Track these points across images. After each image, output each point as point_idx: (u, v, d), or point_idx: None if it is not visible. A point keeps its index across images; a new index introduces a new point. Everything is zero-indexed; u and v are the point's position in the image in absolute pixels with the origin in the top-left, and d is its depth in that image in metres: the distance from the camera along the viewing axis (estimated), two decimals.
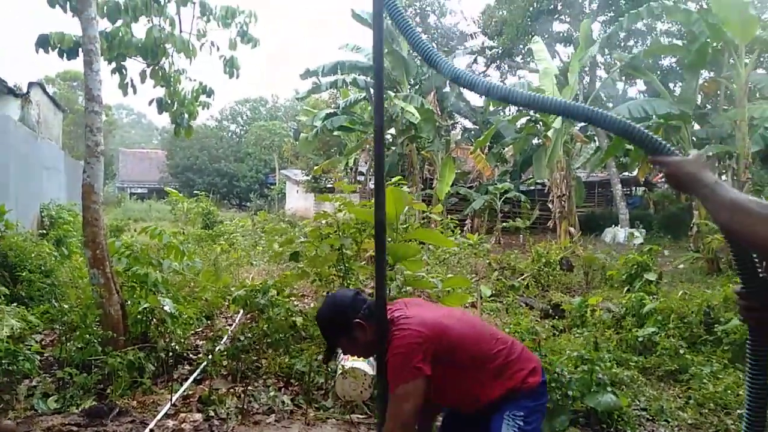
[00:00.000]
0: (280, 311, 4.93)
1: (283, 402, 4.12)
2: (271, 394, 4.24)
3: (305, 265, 5.64)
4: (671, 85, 20.07)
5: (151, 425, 3.59)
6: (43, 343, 4.81)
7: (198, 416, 3.83)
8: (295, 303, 5.71)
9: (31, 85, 12.86)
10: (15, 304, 4.81)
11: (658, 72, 19.50)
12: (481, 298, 7.30)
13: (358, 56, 19.77)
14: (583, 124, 19.07)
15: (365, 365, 4.10)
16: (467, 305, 7.33)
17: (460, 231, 14.86)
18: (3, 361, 3.84)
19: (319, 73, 18.91)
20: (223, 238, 11.36)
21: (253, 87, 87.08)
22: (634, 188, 26.95)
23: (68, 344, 4.40)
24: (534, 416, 2.16)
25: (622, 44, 21.57)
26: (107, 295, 4.57)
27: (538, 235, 17.25)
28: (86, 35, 4.82)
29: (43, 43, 5.88)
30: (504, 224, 16.28)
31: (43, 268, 6.42)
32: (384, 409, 2.12)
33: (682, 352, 4.84)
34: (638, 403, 4.23)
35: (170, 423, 3.72)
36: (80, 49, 5.72)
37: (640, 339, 5.20)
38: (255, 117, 42.89)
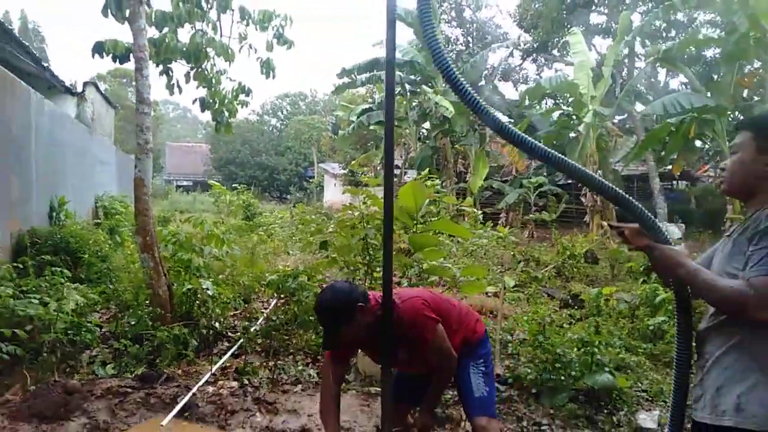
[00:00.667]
0: (309, 295, 5.37)
1: (310, 375, 4.58)
2: (299, 368, 4.71)
3: (333, 252, 6.07)
4: (716, 77, 19.61)
5: (194, 390, 4.09)
6: (100, 319, 5.40)
7: (234, 384, 4.33)
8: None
9: (86, 84, 13.76)
10: (76, 284, 5.40)
11: (703, 64, 19.05)
12: (505, 288, 7.58)
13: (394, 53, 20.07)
14: (619, 117, 18.89)
15: None
16: (490, 294, 7.66)
17: (492, 224, 15.06)
18: (68, 332, 4.43)
19: (354, 71, 19.33)
20: (261, 229, 11.95)
21: (292, 83, 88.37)
22: (676, 183, 26.36)
23: (123, 320, 4.97)
24: (488, 360, 2.73)
25: (663, 35, 21.14)
26: (156, 278, 5.12)
27: (572, 228, 17.24)
28: (137, 44, 5.36)
29: (99, 49, 6.48)
30: (530, 217, 16.35)
31: (99, 253, 7.10)
32: (388, 386, 2.45)
33: None
34: (640, 385, 4.48)
35: (210, 389, 4.23)
36: (131, 55, 6.33)
37: (650, 327, 5.42)
38: (294, 111, 43.81)
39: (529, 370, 4.32)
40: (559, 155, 1.92)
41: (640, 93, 19.55)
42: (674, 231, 17.86)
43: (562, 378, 4.10)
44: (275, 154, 39.30)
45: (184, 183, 40.62)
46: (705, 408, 1.70)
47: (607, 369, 4.05)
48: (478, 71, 21.39)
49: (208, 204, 23.30)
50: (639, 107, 19.05)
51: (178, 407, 3.84)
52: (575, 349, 4.27)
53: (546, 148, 1.95)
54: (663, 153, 15.15)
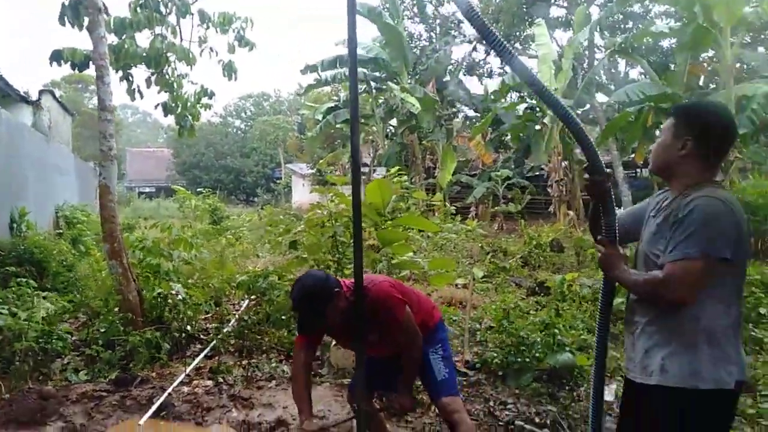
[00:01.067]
0: (280, 294, 5.46)
1: (283, 371, 4.67)
2: (273, 365, 4.80)
3: (303, 252, 6.17)
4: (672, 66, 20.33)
5: (169, 390, 4.14)
6: (70, 327, 5.37)
7: (209, 383, 4.39)
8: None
9: (41, 92, 13.44)
10: (45, 293, 5.36)
11: (660, 54, 19.70)
12: (474, 279, 7.79)
13: (357, 50, 20.18)
14: (582, 108, 19.40)
15: None
16: (459, 286, 7.86)
17: (462, 218, 15.33)
18: (40, 341, 4.42)
19: (318, 68, 19.35)
20: (230, 233, 11.92)
21: (255, 83, 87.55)
22: (639, 171, 27.23)
23: (94, 326, 4.97)
24: (445, 344, 2.88)
25: (622, 27, 21.75)
26: (125, 283, 5.13)
27: (540, 219, 17.66)
28: (97, 52, 5.35)
29: (57, 57, 6.42)
30: (496, 209, 16.71)
31: (64, 263, 7.03)
32: (361, 372, 2.57)
33: None
34: None
35: (185, 389, 4.28)
36: (90, 63, 6.29)
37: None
38: (259, 112, 43.41)
39: (495, 354, 4.51)
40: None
41: (602, 84, 20.11)
42: None
43: (527, 359, 4.29)
44: (240, 156, 38.91)
45: (147, 189, 39.82)
46: (636, 369, 1.92)
47: (567, 349, 4.26)
48: (443, 66, 21.66)
49: (172, 210, 22.96)
50: (601, 98, 19.64)
51: (154, 407, 3.88)
52: (538, 332, 4.48)
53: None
54: (624, 142, 15.69)
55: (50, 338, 4.58)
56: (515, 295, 6.89)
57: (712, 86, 15.32)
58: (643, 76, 21.71)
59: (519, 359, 4.33)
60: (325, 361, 4.82)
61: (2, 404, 3.88)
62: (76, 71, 6.67)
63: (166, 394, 4.09)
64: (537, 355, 4.32)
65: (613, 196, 2.10)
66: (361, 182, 2.68)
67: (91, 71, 6.25)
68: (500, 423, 3.70)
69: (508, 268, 8.56)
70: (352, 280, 2.69)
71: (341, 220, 6.07)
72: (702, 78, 13.77)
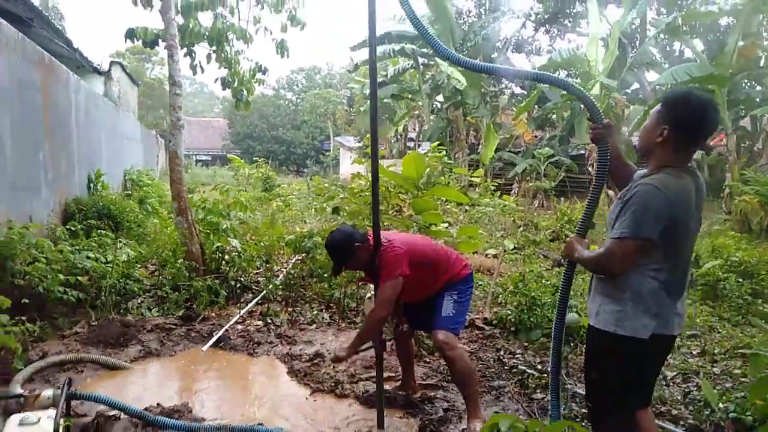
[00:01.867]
0: (323, 252, 6.12)
1: (323, 317, 5.37)
2: (314, 312, 5.49)
3: (345, 217, 6.81)
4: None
5: (227, 327, 4.90)
6: (145, 273, 6.24)
7: (259, 323, 5.14)
8: None
9: (112, 63, 14.53)
10: (125, 242, 6.23)
11: (717, 33, 19.08)
12: (504, 250, 8.26)
13: (404, 26, 20.45)
14: (628, 89, 19.09)
15: None
16: (489, 255, 8.36)
17: (501, 194, 15.62)
18: (119, 281, 5.26)
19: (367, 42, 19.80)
20: (279, 200, 12.74)
21: (307, 58, 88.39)
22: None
23: (163, 273, 5.79)
24: (465, 295, 3.35)
25: (678, 3, 21.05)
26: (190, 237, 5.92)
27: (580, 197, 17.70)
28: (168, 32, 6.05)
29: (131, 35, 7.20)
30: (531, 185, 16.87)
31: (135, 220, 7.94)
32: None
33: None
34: None
35: (239, 327, 5.04)
36: (160, 41, 7.04)
37: None
38: (310, 85, 44.21)
39: (509, 312, 5.04)
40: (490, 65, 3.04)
41: (655, 62, 19.69)
42: None
43: (537, 318, 4.81)
44: (291, 128, 39.94)
45: (203, 157, 41.44)
46: (590, 315, 2.40)
47: (575, 309, 4.73)
48: (491, 42, 21.64)
49: (227, 177, 24.13)
50: (654, 76, 19.25)
51: (214, 339, 4.65)
52: (550, 294, 4.97)
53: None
54: None
55: (128, 280, 5.42)
56: (540, 265, 7.33)
57: (761, 68, 14.92)
58: (703, 54, 21.08)
59: (531, 317, 4.86)
60: (360, 311, 5.48)
61: (93, 329, 4.73)
62: (148, 48, 7.41)
63: (224, 329, 4.86)
64: (547, 314, 4.82)
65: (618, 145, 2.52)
66: (378, 153, 3.25)
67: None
68: (506, 367, 4.25)
69: (538, 241, 8.96)
70: (384, 234, 3.27)
71: (380, 189, 6.66)
72: (754, 59, 13.40)
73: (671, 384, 3.93)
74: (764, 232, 10.31)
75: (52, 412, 2.70)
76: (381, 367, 3.25)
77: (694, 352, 4.55)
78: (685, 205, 2.16)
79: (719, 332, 5.00)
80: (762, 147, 13.20)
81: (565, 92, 2.74)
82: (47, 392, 2.98)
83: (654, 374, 2.46)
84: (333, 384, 3.87)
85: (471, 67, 2.74)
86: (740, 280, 5.78)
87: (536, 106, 19.73)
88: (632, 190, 2.18)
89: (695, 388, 3.78)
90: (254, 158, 21.27)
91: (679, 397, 3.65)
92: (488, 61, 21.36)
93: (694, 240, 2.31)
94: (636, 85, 20.14)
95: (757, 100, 15.10)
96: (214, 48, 7.53)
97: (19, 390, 3.31)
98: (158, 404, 3.41)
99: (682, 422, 3.29)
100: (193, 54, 7.76)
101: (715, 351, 4.50)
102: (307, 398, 3.75)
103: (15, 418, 2.65)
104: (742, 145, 19.83)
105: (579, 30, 21.37)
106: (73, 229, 6.48)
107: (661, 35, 15.95)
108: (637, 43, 20.45)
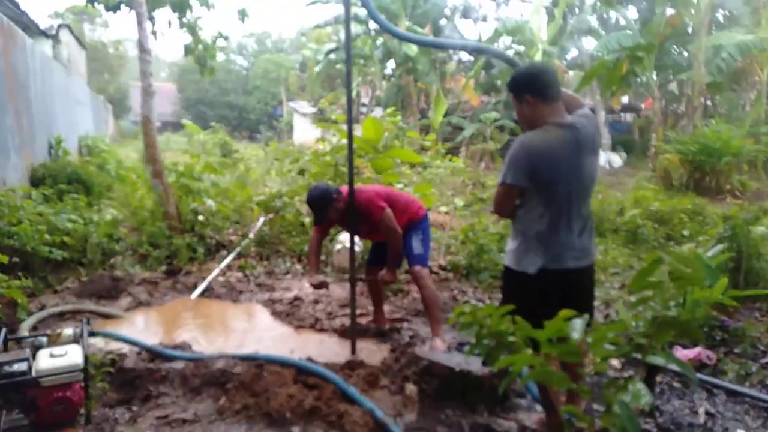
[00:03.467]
0: (292, 210, 6.64)
1: (296, 268, 5.92)
2: (288, 264, 6.04)
3: (309, 178, 7.31)
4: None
5: (210, 278, 5.39)
6: (126, 232, 6.58)
7: (239, 274, 5.65)
8: (302, 211, 7.43)
9: (60, 26, 14.14)
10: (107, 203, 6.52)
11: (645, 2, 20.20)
12: (455, 207, 8.98)
13: None
14: (568, 57, 20.01)
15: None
16: (441, 212, 9.06)
17: (450, 157, 16.38)
18: (104, 240, 5.63)
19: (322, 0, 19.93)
20: (241, 164, 13.01)
21: (257, 22, 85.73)
22: (623, 115, 28.04)
23: (143, 232, 6.17)
24: (426, 233, 4.01)
25: None
26: (166, 198, 6.29)
27: None
28: (136, 0, 6.25)
29: None
30: (476, 147, 17.73)
31: (104, 184, 8.16)
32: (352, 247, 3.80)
33: None
34: None
35: (221, 278, 5.53)
36: (122, 6, 7.21)
37: None
38: (261, 50, 43.37)
39: (461, 259, 5.74)
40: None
41: (593, 30, 20.66)
42: (616, 159, 19.61)
43: (485, 262, 5.53)
44: (243, 94, 39.32)
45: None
46: None
47: None
48: (440, 9, 22.04)
49: (181, 143, 23.85)
50: (593, 43, 20.28)
51: (200, 288, 5.15)
52: (496, 242, 5.69)
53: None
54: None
55: (111, 239, 5.79)
56: (488, 219, 8.08)
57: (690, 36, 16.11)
58: (634, 22, 22.28)
59: (479, 262, 5.57)
60: (329, 263, 6.06)
61: (84, 284, 5.13)
62: (109, 12, 7.50)
63: (207, 280, 5.34)
64: (494, 258, 5.54)
65: None
66: (352, 118, 3.80)
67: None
68: (459, 303, 4.96)
69: (484, 199, 9.73)
70: (356, 186, 3.87)
71: (341, 152, 7.18)
72: (676, 28, 14.45)
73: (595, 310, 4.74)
74: (684, 186, 11.47)
75: (74, 346, 3.16)
76: (354, 301, 3.86)
77: (616, 286, 5.39)
78: (549, 155, 2.40)
79: (637, 269, 5.87)
80: (684, 109, 14.37)
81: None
82: (68, 330, 3.41)
83: (556, 305, 2.99)
84: (313, 321, 4.47)
85: (407, 39, 3.26)
86: (656, 226, 6.69)
87: (483, 72, 20.40)
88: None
89: (615, 313, 4.59)
90: (208, 124, 21.10)
91: (601, 320, 4.45)
92: (437, 26, 21.83)
93: (576, 186, 2.47)
94: (576, 52, 21.17)
95: (684, 65, 16.29)
96: (177, 14, 7.72)
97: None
98: (160, 342, 3.91)
99: None
100: (153, 20, 7.91)
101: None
102: (291, 334, 4.33)
103: (44, 352, 3.08)
104: (670, 108, 21.28)
105: None
106: (46, 193, 6.70)
107: (594, 6, 16.83)
108: (577, 11, 21.38)
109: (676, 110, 18.02)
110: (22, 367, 2.71)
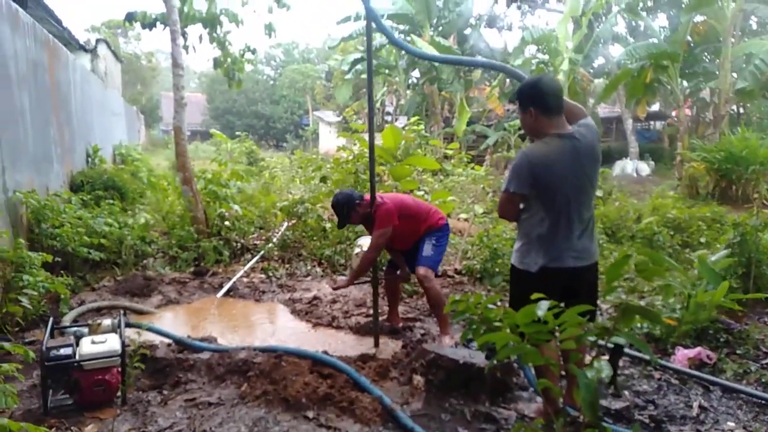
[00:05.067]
0: (313, 216, 6.93)
1: (316, 271, 6.19)
2: (308, 267, 6.31)
3: (331, 186, 7.60)
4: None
5: (234, 279, 5.69)
6: (157, 235, 6.96)
7: (262, 275, 5.95)
8: (323, 217, 7.71)
9: (98, 41, 14.86)
10: (141, 208, 6.92)
11: (674, 10, 20.07)
12: (474, 214, 9.15)
13: (384, 3, 20.94)
14: (594, 64, 19.97)
15: None
16: (461, 219, 9.24)
17: (473, 164, 16.53)
18: (137, 242, 5.99)
19: (352, 18, 20.37)
20: (267, 171, 13.42)
21: (285, 32, 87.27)
22: (653, 123, 27.75)
23: (172, 236, 6.52)
24: (441, 240, 4.18)
25: None
26: (195, 203, 6.64)
27: None
28: (171, 18, 6.66)
29: (130, 18, 7.79)
30: (499, 155, 17.81)
31: (137, 191, 8.60)
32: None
33: (601, 243, 6.64)
34: None
35: (245, 280, 5.84)
36: (158, 23, 7.64)
37: None
38: (288, 60, 44.24)
39: (476, 263, 5.93)
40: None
41: (620, 37, 20.62)
42: (643, 167, 19.46)
43: (498, 267, 5.71)
44: (270, 103, 40.12)
45: None
46: None
47: None
48: (464, 19, 22.27)
49: (209, 152, 24.54)
50: (620, 51, 20.26)
51: (225, 288, 5.45)
52: (509, 247, 5.86)
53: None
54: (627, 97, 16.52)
55: (143, 242, 6.16)
56: (505, 226, 8.24)
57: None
58: (661, 30, 22.13)
59: (493, 266, 5.75)
60: (348, 266, 6.31)
61: (119, 282, 5.49)
62: (145, 30, 7.99)
63: (232, 281, 5.65)
64: (507, 263, 5.71)
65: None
66: (375, 127, 4.05)
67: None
68: None
69: None
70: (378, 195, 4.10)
71: (362, 160, 7.45)
72: (702, 36, 14.37)
73: (604, 314, 4.87)
74: (709, 195, 11.40)
75: (112, 335, 3.46)
76: (377, 300, 4.09)
77: (624, 292, 5.50)
78: (549, 165, 2.59)
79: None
80: (712, 117, 14.25)
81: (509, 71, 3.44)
82: (107, 321, 3.73)
83: (557, 299, 3.10)
84: (330, 319, 4.72)
85: (420, 55, 3.45)
86: (672, 233, 6.76)
87: (507, 81, 20.52)
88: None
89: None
90: (235, 133, 21.71)
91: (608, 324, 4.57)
92: (462, 36, 22.06)
93: (576, 191, 2.64)
94: (602, 60, 21.13)
95: (716, 72, 16.15)
96: (208, 30, 8.14)
97: None
98: (188, 335, 4.21)
99: None
100: (185, 35, 8.35)
101: (645, 289, 5.45)
102: (309, 330, 4.59)
103: (86, 340, 3.39)
104: (701, 116, 21.00)
105: (547, 6, 22.12)
106: (84, 199, 7.13)
107: (619, 13, 16.85)
108: (603, 19, 21.37)
109: (705, 118, 17.80)
110: (67, 351, 3.03)
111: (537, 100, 2.65)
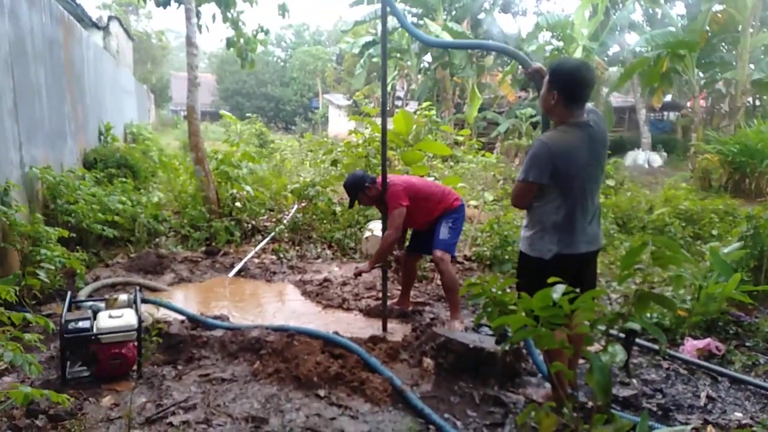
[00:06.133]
0: (324, 199, 6.95)
1: (327, 253, 6.23)
2: (319, 249, 6.35)
3: (342, 169, 7.61)
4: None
5: (246, 259, 5.74)
6: (170, 214, 7.01)
7: (273, 257, 5.99)
8: (333, 200, 7.74)
9: (110, 18, 14.82)
10: (154, 186, 6.97)
11: None
12: (484, 201, 9.15)
13: None
14: (609, 52, 19.72)
15: (379, 233, 6.10)
16: (472, 206, 9.24)
17: (484, 151, 16.45)
18: (150, 221, 6.05)
19: (365, 1, 20.19)
20: (277, 153, 13.44)
21: (295, 13, 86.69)
22: (666, 113, 27.45)
23: (184, 215, 6.58)
24: (457, 222, 4.21)
25: None
26: (207, 183, 6.68)
27: None
28: None
29: None
30: (509, 142, 17.70)
31: (150, 169, 8.65)
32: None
33: (612, 233, 6.63)
34: None
35: (256, 260, 5.89)
36: (172, 1, 7.61)
37: None
38: (299, 42, 43.97)
39: (486, 250, 5.95)
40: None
41: (636, 25, 20.31)
42: (655, 158, 19.30)
43: (508, 254, 5.72)
44: (280, 85, 39.98)
45: None
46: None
47: None
48: (478, 3, 22.03)
49: (219, 133, 24.55)
50: (636, 39, 19.99)
51: (236, 268, 5.50)
52: (519, 234, 5.86)
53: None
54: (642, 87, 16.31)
55: (156, 220, 6.21)
56: (515, 213, 8.23)
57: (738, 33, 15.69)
58: (680, 18, 21.79)
59: (503, 253, 5.77)
60: (358, 249, 6.35)
61: (132, 259, 5.55)
62: (160, 8, 7.95)
63: (243, 261, 5.70)
64: (516, 250, 5.72)
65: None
66: (387, 111, 4.07)
67: None
68: None
69: None
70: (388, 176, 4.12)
71: (373, 144, 7.45)
72: (722, 26, 14.13)
73: (614, 303, 4.88)
74: (722, 188, 11.31)
75: (129, 310, 3.52)
76: (386, 283, 4.12)
77: (637, 281, 5.50)
78: (568, 154, 2.61)
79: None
80: (728, 109, 14.09)
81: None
82: (123, 296, 3.79)
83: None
84: (341, 301, 4.76)
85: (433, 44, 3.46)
86: (684, 225, 6.74)
87: (520, 68, 20.35)
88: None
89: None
90: (245, 115, 21.69)
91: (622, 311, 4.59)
92: (475, 21, 21.83)
93: (590, 179, 2.69)
94: (617, 48, 20.87)
95: (733, 63, 15.93)
96: (222, 9, 8.10)
97: None
98: (201, 313, 4.27)
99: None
100: (199, 14, 8.32)
101: (654, 280, 5.46)
102: (319, 311, 4.64)
103: (104, 314, 3.45)
104: (716, 107, 20.73)
105: None
106: (98, 176, 7.19)
107: (641, 0, 16.59)
108: (620, 6, 21.06)
109: (721, 110, 17.56)
110: (85, 325, 3.09)
111: (567, 88, 2.62)
